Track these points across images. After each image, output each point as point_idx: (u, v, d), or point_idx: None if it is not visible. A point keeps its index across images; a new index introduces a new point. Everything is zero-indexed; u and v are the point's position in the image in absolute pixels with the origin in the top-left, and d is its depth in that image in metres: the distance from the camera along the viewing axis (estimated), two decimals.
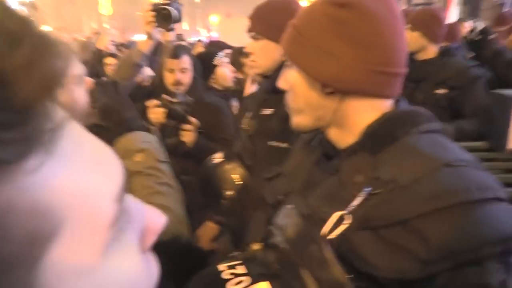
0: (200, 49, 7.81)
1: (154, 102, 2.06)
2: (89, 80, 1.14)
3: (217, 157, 1.58)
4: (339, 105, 0.76)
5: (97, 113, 1.13)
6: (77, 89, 1.06)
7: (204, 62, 2.50)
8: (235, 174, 1.50)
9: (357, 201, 0.67)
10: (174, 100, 2.06)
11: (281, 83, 0.87)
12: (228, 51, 3.03)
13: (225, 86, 2.70)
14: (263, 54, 1.43)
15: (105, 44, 3.82)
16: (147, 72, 2.74)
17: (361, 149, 0.73)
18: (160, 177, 1.06)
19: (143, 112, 2.04)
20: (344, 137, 0.79)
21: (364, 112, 0.76)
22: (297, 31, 0.78)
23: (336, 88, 0.74)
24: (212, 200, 1.56)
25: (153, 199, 1.01)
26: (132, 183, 1.05)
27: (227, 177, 1.50)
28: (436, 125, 0.75)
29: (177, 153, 2.00)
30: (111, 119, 1.11)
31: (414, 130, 0.72)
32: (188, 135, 2.03)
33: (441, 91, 2.25)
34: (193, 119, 2.04)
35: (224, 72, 2.72)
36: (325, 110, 0.78)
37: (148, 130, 1.18)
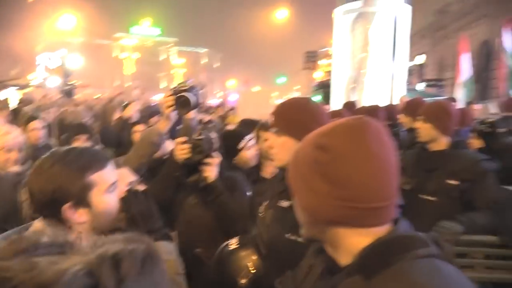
0: (220, 112, 8.13)
1: (181, 139, 2.17)
2: (122, 189, 1.24)
3: (233, 243, 1.63)
4: (326, 231, 0.85)
5: (126, 220, 1.23)
6: (110, 196, 1.18)
7: (229, 142, 2.58)
8: (250, 262, 1.54)
9: None
10: (199, 137, 2.14)
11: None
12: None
13: (248, 167, 2.75)
14: (283, 149, 1.52)
15: (131, 113, 4.06)
16: (168, 145, 2.86)
17: (356, 272, 0.79)
18: None
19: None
20: (339, 256, 0.87)
21: (354, 237, 0.83)
22: (296, 160, 0.90)
23: (315, 219, 0.84)
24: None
25: None
26: None
27: (241, 265, 1.53)
28: (434, 250, 0.79)
29: (196, 188, 2.10)
30: (140, 227, 1.22)
31: (410, 255, 0.76)
32: (210, 170, 2.07)
33: (452, 182, 2.30)
34: (215, 155, 2.11)
35: (247, 156, 2.74)
36: (317, 233, 0.88)
37: (170, 239, 1.29)
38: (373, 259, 0.78)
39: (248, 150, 2.72)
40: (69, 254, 0.44)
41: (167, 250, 1.25)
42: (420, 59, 19.06)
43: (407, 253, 0.76)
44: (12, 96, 13.56)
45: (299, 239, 1.42)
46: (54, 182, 1.09)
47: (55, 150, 1.17)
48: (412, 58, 17.18)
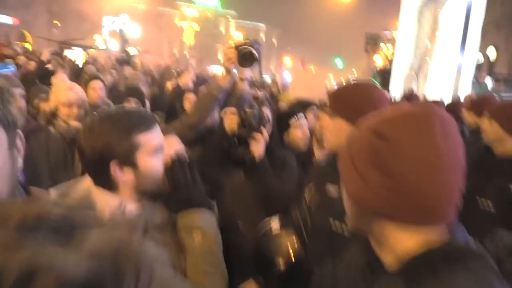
0: (274, 89, 8.08)
1: (231, 109, 2.16)
2: (167, 156, 1.25)
3: (275, 224, 1.60)
4: (373, 225, 0.79)
5: (169, 186, 1.25)
6: (155, 159, 1.19)
7: (282, 121, 2.58)
8: (289, 246, 1.51)
9: None
10: (249, 111, 2.13)
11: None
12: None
13: (300, 147, 2.70)
14: (336, 132, 1.46)
15: (187, 81, 4.10)
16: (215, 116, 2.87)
17: (399, 278, 0.74)
18: (210, 259, 1.20)
19: None
20: (383, 253, 0.81)
21: (401, 235, 0.77)
22: (348, 147, 0.84)
23: (363, 209, 0.79)
24: (263, 269, 1.56)
25: (198, 278, 1.15)
26: (186, 259, 1.19)
27: (281, 247, 1.51)
28: (487, 263, 0.72)
29: (243, 162, 2.09)
30: (180, 194, 1.25)
31: (459, 266, 0.70)
32: (256, 146, 2.06)
33: None
34: (264, 131, 2.08)
35: (297, 134, 2.70)
36: (363, 225, 0.82)
37: (212, 210, 1.31)
38: (420, 268, 0.73)
39: (299, 129, 2.67)
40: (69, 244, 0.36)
41: (208, 218, 1.27)
42: (492, 52, 17.71)
43: (459, 262, 0.71)
44: (78, 56, 14.24)
45: (344, 231, 1.37)
46: (103, 140, 1.12)
47: (104, 109, 1.20)
48: (483, 50, 16.03)
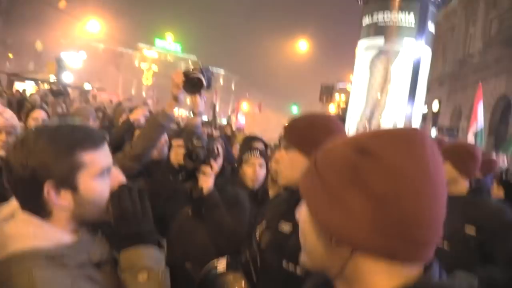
0: (228, 130, 8.05)
1: (178, 141, 1.99)
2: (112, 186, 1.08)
3: (221, 263, 1.44)
4: (347, 261, 0.65)
5: (115, 217, 1.06)
6: (101, 182, 1.01)
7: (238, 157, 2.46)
8: None
9: None
10: (196, 141, 1.93)
11: (297, 213, 0.78)
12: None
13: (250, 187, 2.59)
14: (291, 165, 1.36)
15: (138, 116, 3.91)
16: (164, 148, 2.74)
17: None
18: None
19: None
20: None
21: (378, 276, 0.64)
22: (315, 167, 0.70)
23: (343, 241, 0.64)
24: None
25: None
26: None
27: None
28: None
29: (190, 197, 1.89)
30: (129, 227, 1.06)
31: None
32: (205, 180, 1.87)
33: (470, 231, 2.09)
34: (214, 164, 1.90)
35: (247, 172, 2.61)
36: (332, 262, 0.67)
37: (161, 247, 1.13)
38: None
39: (250, 166, 2.57)
40: None
41: (156, 257, 1.08)
42: (436, 105, 18.96)
43: None
44: (29, 89, 13.54)
45: (298, 271, 1.23)
46: (37, 156, 0.93)
47: (45, 124, 1.02)
48: (428, 103, 17.10)
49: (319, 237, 0.68)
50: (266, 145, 2.91)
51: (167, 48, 49.52)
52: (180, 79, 2.01)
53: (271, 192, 2.60)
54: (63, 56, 18.28)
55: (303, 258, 0.74)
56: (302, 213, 0.73)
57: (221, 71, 55.94)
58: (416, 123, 8.25)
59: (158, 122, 2.07)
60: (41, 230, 0.96)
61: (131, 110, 4.53)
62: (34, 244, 0.93)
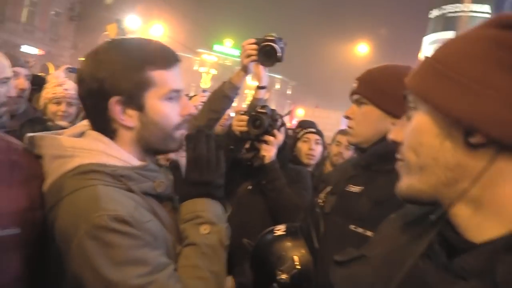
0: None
1: (241, 107, 1.90)
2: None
3: (279, 229, 1.32)
4: (487, 168, 0.50)
5: (188, 159, 1.02)
6: (169, 105, 0.96)
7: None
8: (296, 255, 1.22)
9: None
10: (262, 110, 1.84)
11: (394, 134, 0.64)
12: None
13: (305, 163, 2.50)
14: (365, 120, 1.22)
15: (196, 103, 3.90)
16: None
17: None
18: (213, 263, 0.95)
19: None
20: (483, 223, 0.52)
21: None
22: (436, 61, 0.57)
23: (491, 136, 0.49)
24: (261, 280, 1.27)
25: (194, 284, 0.90)
26: (185, 252, 0.95)
27: (286, 257, 1.22)
28: None
29: (250, 167, 1.83)
30: (199, 174, 1.01)
31: None
32: (268, 149, 1.80)
33: None
34: (277, 134, 1.83)
35: (302, 149, 2.55)
36: (464, 172, 0.52)
37: (225, 204, 1.08)
38: None
39: (306, 142, 2.49)
40: None
41: (220, 214, 1.03)
42: None
43: None
44: None
45: (367, 233, 1.09)
46: (106, 69, 0.90)
47: (118, 38, 0.98)
48: None
49: (447, 141, 0.54)
50: (321, 135, 2.79)
51: (225, 53, 50.54)
52: (253, 48, 1.85)
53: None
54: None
55: (410, 181, 0.59)
56: (416, 121, 0.59)
57: (278, 77, 56.09)
58: None
59: (224, 93, 1.93)
60: (110, 148, 0.93)
61: (190, 99, 4.55)
62: (102, 160, 0.90)
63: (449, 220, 0.56)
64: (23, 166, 0.89)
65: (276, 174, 1.77)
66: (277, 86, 55.36)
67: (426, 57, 0.60)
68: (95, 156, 0.90)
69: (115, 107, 0.91)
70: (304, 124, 2.71)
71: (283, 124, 1.94)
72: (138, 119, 0.93)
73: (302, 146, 2.53)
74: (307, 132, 2.56)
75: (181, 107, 0.98)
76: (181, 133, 1.01)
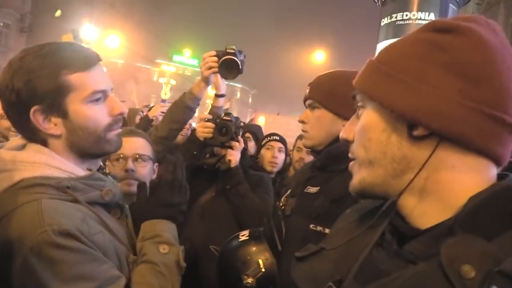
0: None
1: (206, 115, 1.93)
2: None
3: (243, 235, 1.35)
4: (429, 158, 0.55)
5: (153, 183, 1.07)
6: (93, 108, 0.94)
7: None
8: (261, 259, 1.24)
9: None
10: (227, 118, 1.89)
11: (344, 132, 0.69)
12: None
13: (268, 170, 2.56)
14: (318, 124, 1.28)
15: (156, 114, 3.86)
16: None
17: (464, 229, 0.50)
18: (168, 283, 0.95)
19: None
20: (427, 210, 0.57)
21: (465, 174, 0.54)
22: (380, 62, 0.62)
23: (431, 127, 0.54)
24: (228, 285, 1.28)
25: None
26: (141, 269, 0.95)
27: (251, 261, 1.24)
28: None
29: (216, 171, 1.90)
30: (171, 196, 1.06)
31: None
32: (234, 154, 1.86)
33: None
34: (240, 140, 1.89)
35: (266, 156, 2.60)
36: (409, 164, 0.57)
37: (179, 224, 1.10)
38: (495, 210, 0.51)
39: (269, 150, 2.55)
40: None
41: (176, 236, 1.06)
42: None
43: None
44: None
45: (326, 230, 1.14)
46: (22, 79, 0.86)
47: (33, 46, 0.94)
48: None
49: (393, 135, 0.58)
50: (285, 143, 2.85)
51: (185, 63, 50.20)
52: (213, 60, 1.87)
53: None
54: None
55: (362, 175, 0.63)
56: (364, 119, 0.63)
57: (238, 85, 56.36)
58: None
59: (185, 103, 1.95)
60: (53, 159, 0.90)
61: (149, 109, 4.50)
62: (46, 172, 0.88)
63: (398, 210, 0.61)
64: None
65: (240, 178, 1.82)
66: (238, 95, 55.55)
67: (371, 59, 0.65)
68: (37, 169, 0.88)
69: (36, 117, 0.88)
70: (267, 134, 2.78)
71: (245, 131, 2.01)
72: (63, 126, 0.91)
73: (265, 154, 2.59)
74: (270, 140, 2.61)
75: (110, 107, 0.96)
76: (114, 133, 0.98)
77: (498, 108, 0.53)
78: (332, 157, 1.23)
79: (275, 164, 2.55)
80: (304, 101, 1.34)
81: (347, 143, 0.68)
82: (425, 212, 0.57)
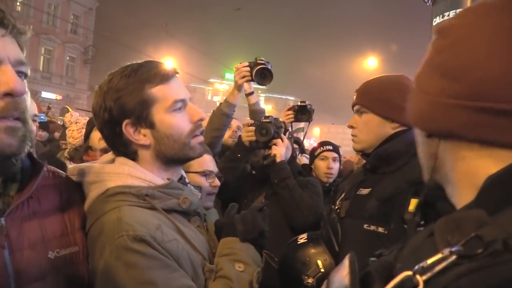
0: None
1: (248, 121, 2.09)
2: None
3: (302, 238, 1.41)
4: (439, 152, 0.60)
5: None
6: (175, 116, 1.03)
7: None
8: (320, 260, 1.30)
9: (438, 263, 0.45)
10: (266, 120, 2.02)
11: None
12: None
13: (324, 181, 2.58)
14: (366, 128, 1.33)
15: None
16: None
17: (478, 205, 0.53)
18: None
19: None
20: (457, 195, 0.60)
21: (479, 161, 0.56)
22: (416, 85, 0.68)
23: (425, 130, 0.62)
24: (289, 286, 1.35)
25: None
26: (215, 284, 0.99)
27: (310, 262, 1.31)
28: None
29: (262, 177, 1.99)
30: (252, 229, 1.09)
31: None
32: (278, 149, 1.94)
33: None
34: (284, 138, 1.99)
35: (319, 166, 2.61)
36: (430, 157, 0.63)
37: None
38: (500, 188, 0.53)
39: (323, 160, 2.54)
40: None
41: (257, 260, 1.08)
42: None
43: None
44: None
45: (379, 230, 1.18)
46: (111, 98, 0.98)
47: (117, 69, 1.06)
48: None
49: (419, 136, 0.65)
50: (338, 151, 2.86)
51: None
52: (246, 69, 2.08)
53: None
54: None
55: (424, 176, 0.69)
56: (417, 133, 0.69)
57: (291, 98, 56.44)
58: None
59: (222, 111, 2.17)
60: (135, 170, 1.00)
61: None
62: (128, 182, 0.98)
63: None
64: (68, 191, 0.98)
65: (287, 172, 1.88)
66: None
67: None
68: (121, 179, 0.98)
69: (128, 129, 0.98)
70: (320, 144, 2.73)
71: (286, 130, 2.12)
72: (151, 136, 0.99)
73: (319, 164, 2.57)
74: (324, 150, 2.59)
75: (190, 114, 1.04)
76: (197, 141, 1.05)
77: (483, 98, 0.53)
78: (381, 159, 1.28)
79: (330, 175, 2.53)
80: (352, 107, 1.39)
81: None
82: (457, 197, 0.61)
